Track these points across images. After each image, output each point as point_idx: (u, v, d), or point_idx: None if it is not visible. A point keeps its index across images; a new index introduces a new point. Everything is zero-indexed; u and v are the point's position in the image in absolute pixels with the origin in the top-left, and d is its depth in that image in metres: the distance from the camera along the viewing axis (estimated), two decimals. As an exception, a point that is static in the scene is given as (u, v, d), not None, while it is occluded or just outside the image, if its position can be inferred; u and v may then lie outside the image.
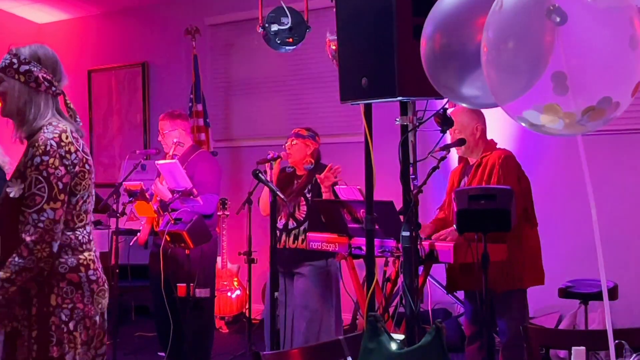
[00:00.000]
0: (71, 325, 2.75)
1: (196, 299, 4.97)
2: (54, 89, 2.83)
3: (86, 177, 2.79)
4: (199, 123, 7.67)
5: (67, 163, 2.72)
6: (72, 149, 2.74)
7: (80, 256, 2.78)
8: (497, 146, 4.51)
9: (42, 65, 2.82)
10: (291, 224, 4.95)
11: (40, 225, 2.67)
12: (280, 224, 4.92)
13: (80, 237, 2.80)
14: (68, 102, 2.90)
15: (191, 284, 4.96)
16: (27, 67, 2.79)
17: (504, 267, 4.24)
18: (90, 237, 2.86)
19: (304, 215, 4.93)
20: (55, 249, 2.71)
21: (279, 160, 4.93)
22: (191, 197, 5.05)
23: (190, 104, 7.72)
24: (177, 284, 5.02)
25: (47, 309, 2.73)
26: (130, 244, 5.74)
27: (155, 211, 5.21)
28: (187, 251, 4.96)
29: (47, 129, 2.76)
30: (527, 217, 4.33)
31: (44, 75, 2.80)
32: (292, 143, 5.00)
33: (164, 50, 8.48)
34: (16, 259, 2.67)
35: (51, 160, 2.69)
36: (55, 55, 2.89)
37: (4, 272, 2.67)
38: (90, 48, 9.04)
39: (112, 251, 5.64)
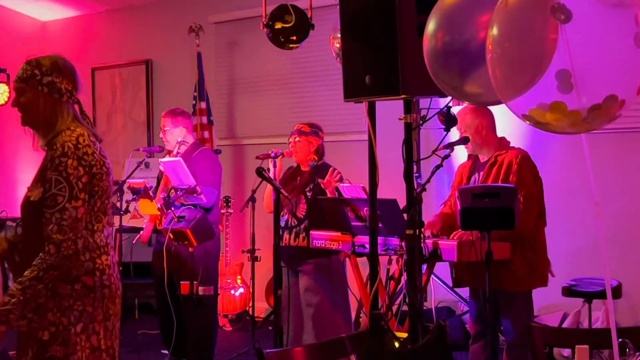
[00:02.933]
0: (79, 327, 2.78)
1: (199, 296, 4.97)
2: (73, 98, 2.92)
3: (103, 178, 2.85)
4: (202, 121, 7.67)
5: (84, 164, 2.78)
6: (89, 151, 2.81)
7: (98, 260, 2.82)
8: (511, 145, 4.48)
9: (64, 76, 2.91)
10: (292, 222, 4.96)
11: (64, 223, 2.71)
12: (282, 222, 4.93)
13: (98, 240, 2.84)
14: (83, 110, 2.99)
15: (194, 282, 4.96)
16: (49, 79, 2.87)
17: (517, 266, 4.23)
18: (108, 241, 2.90)
19: (304, 214, 4.94)
20: (79, 246, 2.75)
21: (280, 157, 4.91)
22: (195, 194, 5.05)
23: (193, 102, 7.72)
24: (181, 282, 5.02)
25: (58, 308, 2.76)
26: (133, 242, 5.75)
27: (158, 209, 5.21)
28: (190, 249, 4.96)
29: (64, 133, 2.82)
30: (541, 218, 4.32)
31: (66, 86, 2.90)
32: (295, 140, 4.99)
33: (168, 48, 8.48)
34: (43, 256, 2.70)
35: (70, 161, 2.76)
36: (73, 66, 2.99)
37: (30, 271, 2.69)
38: (94, 45, 9.04)
39: (115, 249, 5.63)
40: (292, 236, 4.94)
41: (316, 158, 4.97)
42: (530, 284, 4.29)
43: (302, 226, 4.91)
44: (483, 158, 4.45)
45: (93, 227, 2.83)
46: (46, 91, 2.87)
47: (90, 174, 2.80)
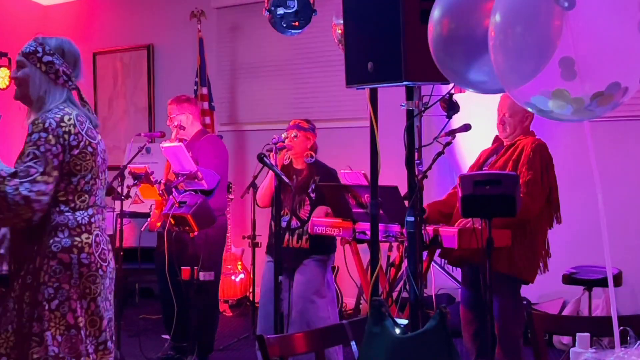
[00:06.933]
0: (53, 304, 2.80)
1: (200, 282, 4.97)
2: (70, 83, 2.95)
3: (88, 158, 2.86)
4: (204, 107, 7.66)
5: (63, 142, 2.81)
6: (73, 131, 2.83)
7: (77, 238, 2.84)
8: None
9: (65, 59, 2.95)
10: (294, 223, 4.84)
11: (32, 194, 2.74)
12: (283, 222, 4.86)
13: (79, 219, 2.86)
14: (83, 96, 3.01)
15: (195, 267, 4.96)
16: (50, 59, 2.91)
17: (511, 251, 4.23)
18: (93, 220, 2.90)
19: (307, 215, 4.86)
20: (36, 218, 2.77)
21: (285, 150, 4.84)
22: (196, 180, 5.04)
23: (195, 87, 7.71)
24: (182, 267, 5.02)
25: (35, 284, 2.79)
26: (142, 229, 5.74)
27: (159, 194, 5.21)
28: (191, 234, 4.96)
29: (52, 111, 2.86)
30: (548, 213, 4.32)
31: (64, 70, 2.93)
32: (293, 136, 4.91)
33: (170, 33, 8.46)
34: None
35: (49, 137, 2.79)
36: (78, 52, 3.03)
37: None
38: (95, 30, 9.01)
39: (116, 234, 5.65)
40: (295, 238, 4.83)
41: (313, 154, 4.91)
42: (512, 269, 4.26)
43: (306, 228, 4.79)
44: (507, 143, 4.45)
45: (76, 205, 2.85)
46: (44, 69, 2.90)
47: (70, 153, 2.82)
